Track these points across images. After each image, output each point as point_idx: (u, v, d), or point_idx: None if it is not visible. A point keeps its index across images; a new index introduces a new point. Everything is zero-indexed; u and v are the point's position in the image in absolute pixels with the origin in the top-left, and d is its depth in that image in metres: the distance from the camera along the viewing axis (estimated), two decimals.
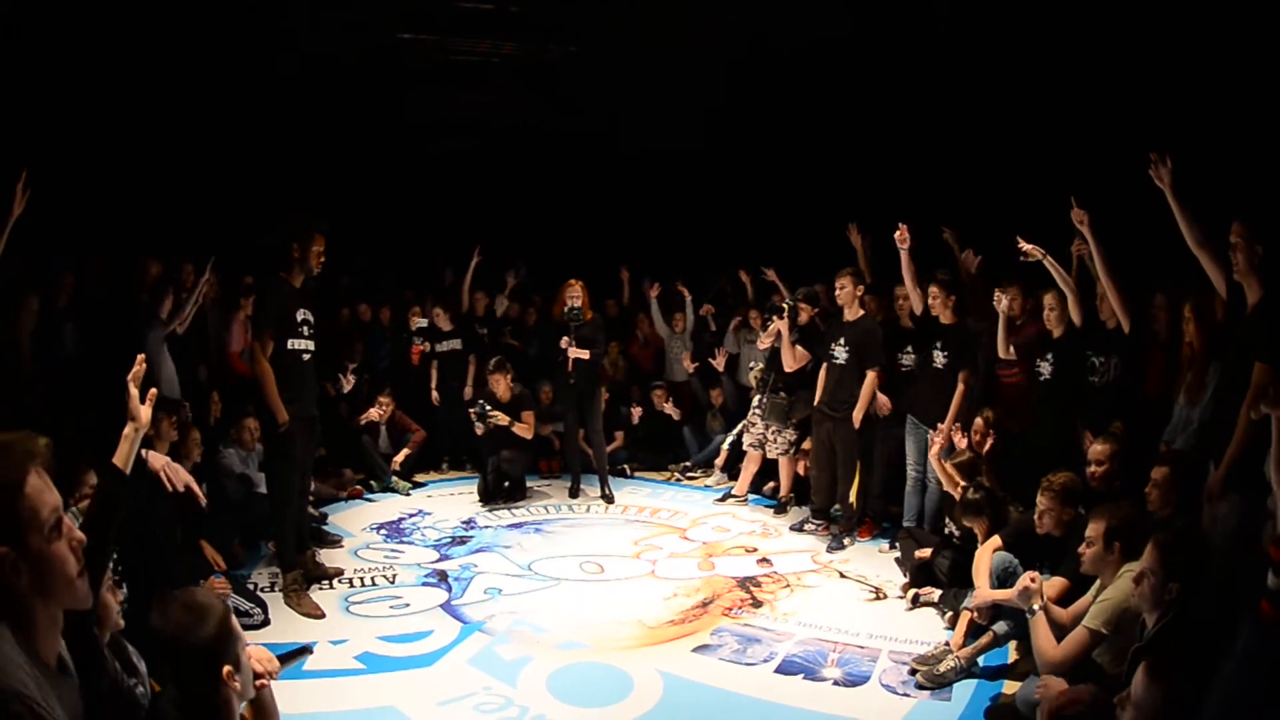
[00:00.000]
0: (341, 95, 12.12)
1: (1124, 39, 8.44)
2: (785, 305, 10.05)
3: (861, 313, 9.45)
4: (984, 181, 10.05)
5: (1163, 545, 4.48)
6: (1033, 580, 5.47)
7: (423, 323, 12.41)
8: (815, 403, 9.77)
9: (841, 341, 9.42)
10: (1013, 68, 9.51)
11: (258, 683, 3.60)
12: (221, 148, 11.91)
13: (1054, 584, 5.93)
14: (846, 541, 9.53)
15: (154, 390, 4.05)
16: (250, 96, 11.41)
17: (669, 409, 13.02)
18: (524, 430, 11.16)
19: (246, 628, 6.68)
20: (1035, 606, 5.38)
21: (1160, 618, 4.42)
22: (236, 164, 12.14)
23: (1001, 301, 8.34)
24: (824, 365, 9.74)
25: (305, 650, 6.59)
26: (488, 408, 10.97)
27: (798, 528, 9.99)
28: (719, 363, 12.56)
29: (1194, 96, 7.97)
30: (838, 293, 9.41)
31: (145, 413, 4.00)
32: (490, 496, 11.03)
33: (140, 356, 4.12)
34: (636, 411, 12.92)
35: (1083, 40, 8.75)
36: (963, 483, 7.72)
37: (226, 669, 3.28)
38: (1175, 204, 6.25)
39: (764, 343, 10.67)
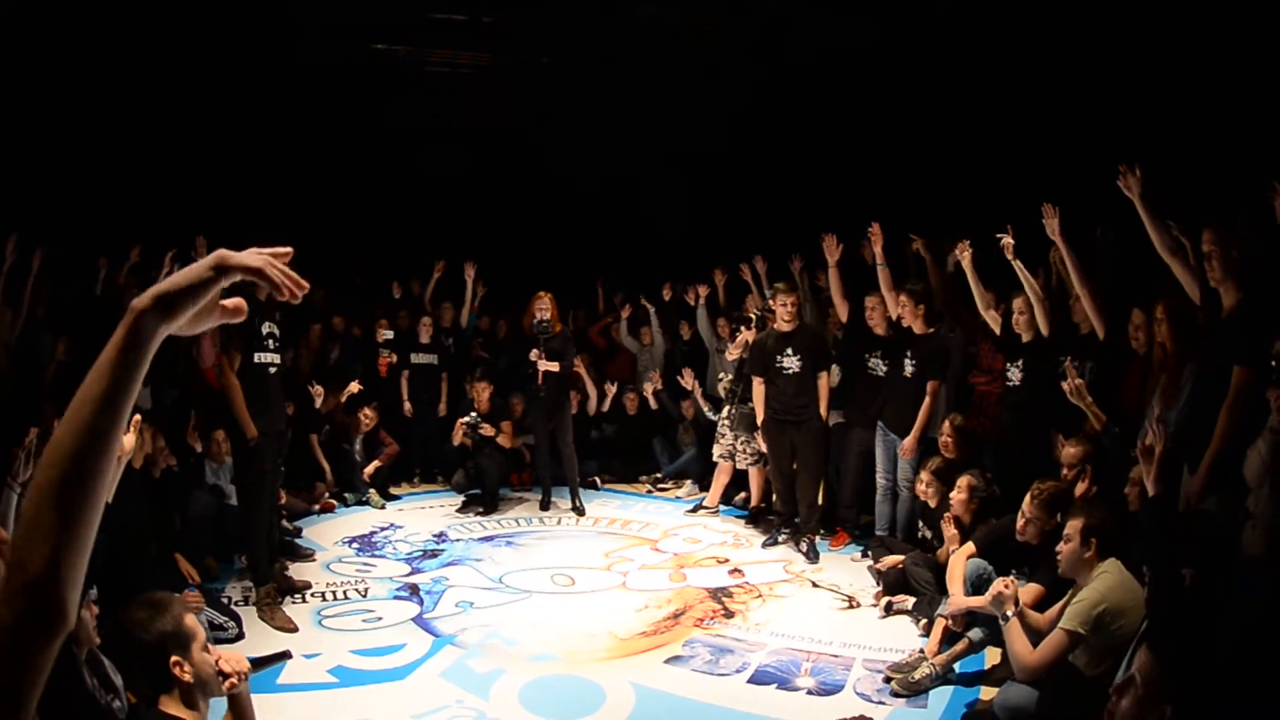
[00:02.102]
0: (316, 106, 12.09)
1: (1099, 49, 8.52)
2: (753, 315, 10.06)
3: (799, 322, 9.52)
4: (961, 190, 10.10)
5: (1174, 532, 4.48)
6: (1006, 586, 5.46)
7: (389, 334, 12.38)
8: (762, 416, 9.72)
9: (789, 351, 9.37)
10: (994, 78, 9.58)
11: (226, 683, 3.62)
12: (197, 160, 11.87)
13: (1029, 590, 5.94)
14: (818, 544, 9.60)
15: (137, 417, 4.06)
16: (225, 108, 11.38)
17: (646, 393, 13.09)
18: (505, 440, 11.32)
19: (220, 642, 6.66)
20: (1009, 613, 5.39)
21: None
22: (212, 175, 12.09)
23: (965, 254, 8.35)
24: (760, 380, 9.66)
25: (283, 655, 6.57)
26: (479, 420, 11.01)
27: (771, 542, 9.91)
28: (687, 380, 12.52)
29: (1165, 106, 8.05)
30: (789, 309, 9.34)
31: (129, 440, 4.03)
32: (465, 490, 11.25)
33: None
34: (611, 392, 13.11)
35: (1061, 51, 8.82)
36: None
37: (173, 658, 3.38)
38: (1145, 213, 6.29)
39: (732, 354, 10.62)
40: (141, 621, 3.38)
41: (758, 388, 9.69)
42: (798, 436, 9.52)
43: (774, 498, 10.18)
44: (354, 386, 11.45)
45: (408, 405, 12.42)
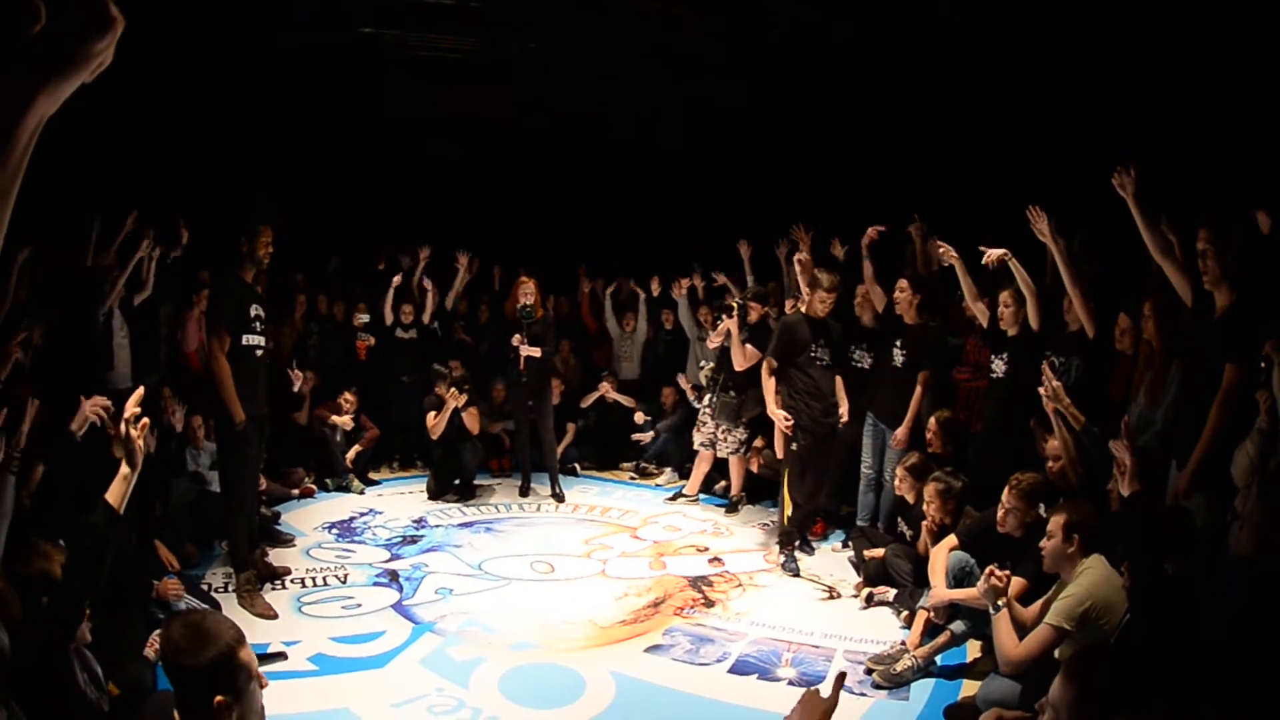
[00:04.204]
0: (302, 91, 12.01)
1: (1096, 47, 8.51)
2: (735, 304, 9.99)
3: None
4: (955, 184, 10.10)
5: (1155, 527, 4.48)
6: (999, 578, 5.44)
7: (365, 318, 12.34)
8: (775, 403, 8.97)
9: (823, 343, 8.96)
10: (989, 74, 9.55)
11: None
12: (182, 143, 11.79)
13: (1013, 583, 5.93)
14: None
15: (145, 420, 4.00)
16: (211, 93, 11.28)
17: (619, 398, 13.09)
18: (472, 425, 11.24)
19: None
20: (1000, 603, 5.38)
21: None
22: (196, 158, 12.02)
23: (951, 254, 8.27)
24: (774, 363, 9.04)
25: (280, 656, 6.54)
26: (464, 383, 11.05)
27: (793, 569, 8.92)
28: (670, 397, 12.63)
29: (1161, 105, 8.05)
30: (826, 304, 8.85)
31: (140, 449, 3.97)
32: (440, 491, 11.10)
33: (136, 395, 4.03)
34: (591, 397, 13.12)
35: (1056, 46, 8.81)
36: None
37: (218, 699, 3.14)
38: (1138, 213, 6.26)
39: (713, 342, 10.58)
40: (180, 649, 3.18)
41: (770, 381, 9.02)
42: (826, 443, 9.13)
43: (789, 512, 9.17)
44: (348, 396, 11.50)
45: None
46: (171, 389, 9.73)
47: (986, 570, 5.54)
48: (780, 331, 9.09)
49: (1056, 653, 5.12)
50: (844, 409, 9.20)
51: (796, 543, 9.11)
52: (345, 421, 11.43)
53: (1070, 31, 8.45)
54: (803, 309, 9.05)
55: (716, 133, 13.19)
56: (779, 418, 8.81)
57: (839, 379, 9.23)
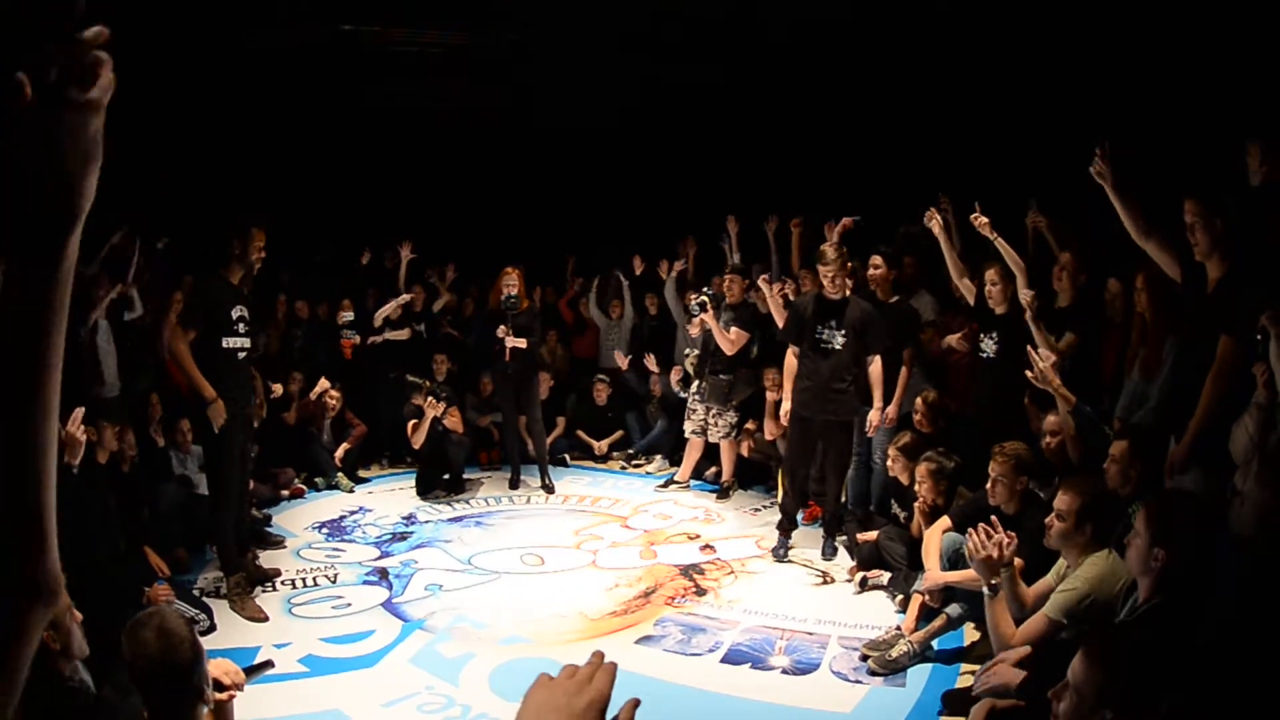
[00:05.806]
0: (282, 88, 11.95)
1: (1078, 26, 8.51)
2: (704, 299, 9.94)
3: (848, 293, 8.58)
4: (941, 164, 10.08)
5: (1151, 507, 4.38)
6: (997, 546, 5.14)
7: (349, 316, 12.25)
8: (789, 403, 8.74)
9: (833, 324, 8.43)
10: (975, 52, 9.55)
11: (223, 694, 3.59)
12: (160, 146, 11.71)
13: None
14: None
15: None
16: (190, 92, 11.21)
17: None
18: (455, 425, 11.27)
19: None
20: (995, 583, 5.10)
21: (1153, 591, 4.30)
22: (178, 159, 11.95)
23: (934, 221, 8.18)
24: (794, 350, 8.70)
25: (268, 664, 6.50)
26: (438, 390, 10.98)
27: (783, 554, 8.83)
28: (651, 362, 12.48)
29: (1140, 80, 8.04)
30: (831, 280, 8.31)
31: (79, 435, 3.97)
32: (428, 488, 10.99)
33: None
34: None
35: (1042, 27, 8.80)
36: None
37: (208, 694, 3.20)
38: (1116, 199, 6.20)
39: (694, 331, 10.64)
40: (165, 651, 3.22)
41: (790, 360, 8.75)
42: (826, 435, 8.69)
43: (780, 496, 9.31)
44: (323, 384, 11.41)
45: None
46: (160, 395, 9.70)
47: (979, 530, 5.15)
48: (789, 313, 8.87)
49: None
50: (874, 399, 8.65)
51: (788, 527, 8.95)
52: (328, 398, 11.46)
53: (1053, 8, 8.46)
54: (805, 286, 8.90)
55: (701, 116, 13.13)
56: (783, 411, 8.66)
57: (874, 366, 8.63)
